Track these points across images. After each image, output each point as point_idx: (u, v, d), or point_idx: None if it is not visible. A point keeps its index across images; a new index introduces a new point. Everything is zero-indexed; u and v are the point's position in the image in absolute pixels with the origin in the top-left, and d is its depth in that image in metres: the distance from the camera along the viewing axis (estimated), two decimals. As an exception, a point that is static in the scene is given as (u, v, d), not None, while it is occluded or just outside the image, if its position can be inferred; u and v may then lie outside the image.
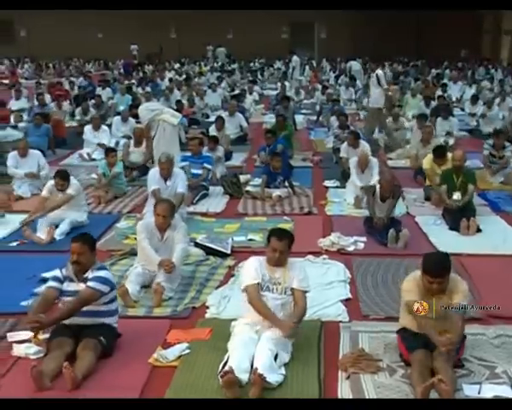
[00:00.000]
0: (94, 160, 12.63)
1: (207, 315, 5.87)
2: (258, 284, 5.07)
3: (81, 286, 5.04)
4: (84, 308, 4.99)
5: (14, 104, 18.45)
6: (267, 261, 5.18)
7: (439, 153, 9.71)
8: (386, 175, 8.48)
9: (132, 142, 11.86)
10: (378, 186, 8.25)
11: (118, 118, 14.82)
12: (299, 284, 5.12)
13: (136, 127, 12.34)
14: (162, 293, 6.13)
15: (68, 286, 5.09)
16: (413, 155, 11.51)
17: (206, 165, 10.16)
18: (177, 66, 36.25)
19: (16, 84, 22.89)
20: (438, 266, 4.75)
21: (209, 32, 41.82)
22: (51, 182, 8.49)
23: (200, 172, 10.07)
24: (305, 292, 5.16)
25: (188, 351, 5.08)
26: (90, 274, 5.07)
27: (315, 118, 17.86)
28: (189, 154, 10.62)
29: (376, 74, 14.82)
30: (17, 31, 47.10)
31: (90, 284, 5.00)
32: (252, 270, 5.14)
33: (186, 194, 8.58)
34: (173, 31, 44.93)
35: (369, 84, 17.41)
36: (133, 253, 7.05)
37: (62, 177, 8.34)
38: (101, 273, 5.09)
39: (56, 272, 5.21)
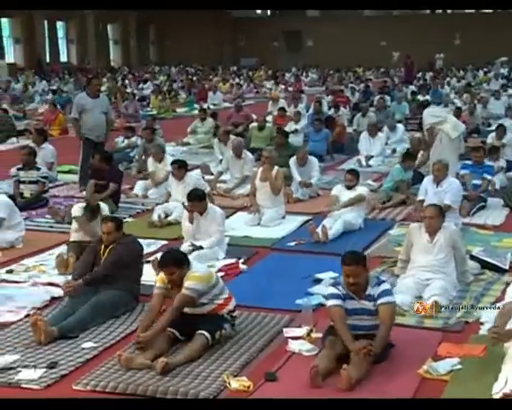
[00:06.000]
0: (370, 166, 12.77)
1: (481, 331, 5.60)
2: None
3: (363, 303, 5.00)
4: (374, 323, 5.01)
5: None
6: None
7: None
8: None
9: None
10: None
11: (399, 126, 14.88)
12: None
13: (412, 138, 12.29)
14: (438, 307, 5.96)
15: (350, 305, 5.01)
16: None
17: (485, 175, 9.72)
18: (461, 73, 35.40)
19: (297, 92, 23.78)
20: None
21: (496, 38, 40.13)
22: (338, 186, 9.02)
23: (479, 182, 9.68)
24: None
25: (460, 367, 4.90)
26: (371, 290, 5.00)
27: None
28: (469, 162, 10.27)
29: None
30: (304, 40, 49.59)
31: (385, 299, 4.94)
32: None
33: (453, 208, 8.28)
34: (458, 37, 43.93)
35: None
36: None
37: (351, 172, 8.83)
38: (386, 286, 5.06)
39: (333, 290, 5.06)
